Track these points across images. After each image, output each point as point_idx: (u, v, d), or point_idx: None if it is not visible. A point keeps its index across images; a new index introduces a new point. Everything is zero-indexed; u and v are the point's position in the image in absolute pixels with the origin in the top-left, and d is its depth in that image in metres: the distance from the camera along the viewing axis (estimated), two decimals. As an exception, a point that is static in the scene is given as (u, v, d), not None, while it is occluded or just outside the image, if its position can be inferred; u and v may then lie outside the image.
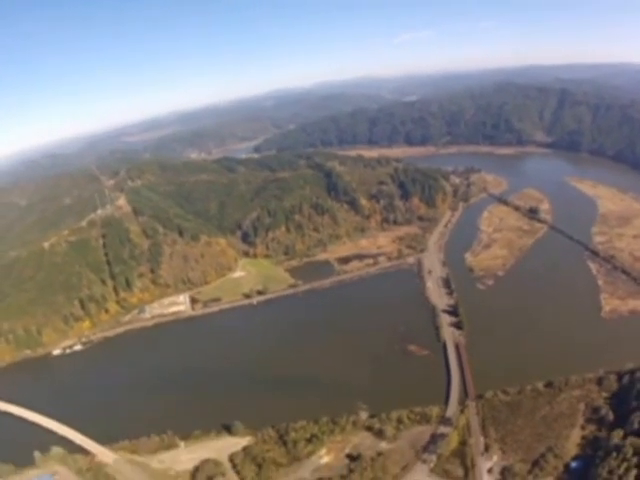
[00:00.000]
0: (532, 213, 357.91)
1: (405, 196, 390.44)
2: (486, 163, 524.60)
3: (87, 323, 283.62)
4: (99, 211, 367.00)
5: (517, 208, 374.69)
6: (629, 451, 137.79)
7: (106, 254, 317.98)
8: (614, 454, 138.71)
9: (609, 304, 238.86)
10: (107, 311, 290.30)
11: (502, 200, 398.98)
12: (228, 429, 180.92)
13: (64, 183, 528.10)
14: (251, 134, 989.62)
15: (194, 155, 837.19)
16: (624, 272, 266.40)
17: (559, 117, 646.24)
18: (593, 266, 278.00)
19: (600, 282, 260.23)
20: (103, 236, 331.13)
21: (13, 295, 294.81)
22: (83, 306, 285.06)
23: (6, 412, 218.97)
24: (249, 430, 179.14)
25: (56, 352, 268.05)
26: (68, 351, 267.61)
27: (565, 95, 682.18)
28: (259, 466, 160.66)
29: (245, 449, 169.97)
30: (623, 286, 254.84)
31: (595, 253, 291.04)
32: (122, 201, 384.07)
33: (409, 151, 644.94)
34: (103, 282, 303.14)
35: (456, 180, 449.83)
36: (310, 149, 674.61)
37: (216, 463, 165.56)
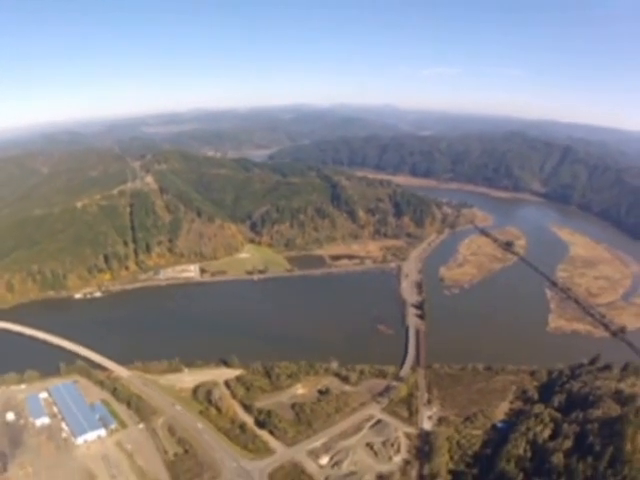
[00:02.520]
0: (507, 245, 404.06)
1: (398, 214, 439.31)
2: (480, 201, 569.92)
3: (108, 276, 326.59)
4: (129, 184, 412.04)
5: (495, 240, 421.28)
6: (546, 418, 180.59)
7: (131, 221, 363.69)
8: (533, 419, 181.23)
9: (555, 322, 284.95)
10: (127, 268, 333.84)
11: (484, 232, 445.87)
12: (225, 363, 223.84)
13: (90, 158, 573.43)
14: (266, 143, 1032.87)
15: (210, 153, 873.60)
16: (576, 302, 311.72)
17: (557, 171, 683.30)
18: (549, 293, 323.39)
19: (552, 306, 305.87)
20: (131, 205, 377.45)
21: (44, 243, 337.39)
22: (106, 261, 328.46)
23: (32, 336, 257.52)
24: (242, 364, 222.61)
25: (78, 296, 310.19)
26: (89, 296, 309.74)
27: (568, 152, 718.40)
28: (248, 389, 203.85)
29: (238, 377, 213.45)
30: (571, 312, 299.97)
31: (554, 284, 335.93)
32: (150, 179, 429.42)
33: (412, 181, 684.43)
34: (125, 244, 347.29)
35: (448, 210, 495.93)
36: (321, 165, 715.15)
37: (214, 383, 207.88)
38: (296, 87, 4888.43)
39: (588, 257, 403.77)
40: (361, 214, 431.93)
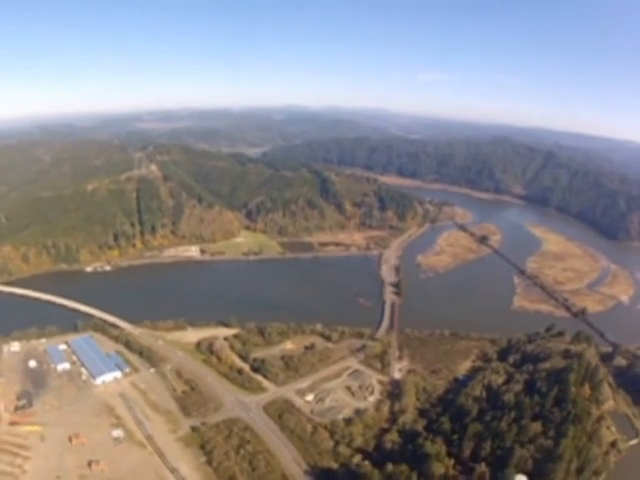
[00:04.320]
0: (483, 239, 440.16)
1: (382, 208, 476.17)
2: (462, 201, 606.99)
3: (116, 252, 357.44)
4: (135, 171, 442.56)
5: (472, 234, 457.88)
6: (501, 370, 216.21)
7: (138, 204, 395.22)
8: (489, 370, 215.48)
9: (519, 303, 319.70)
10: (134, 246, 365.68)
11: (462, 227, 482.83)
12: (224, 323, 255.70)
13: (91, 148, 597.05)
14: (260, 141, 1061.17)
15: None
16: (541, 287, 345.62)
17: (539, 175, 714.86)
18: (517, 280, 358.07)
19: (518, 290, 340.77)
20: (137, 190, 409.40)
21: (57, 221, 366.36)
22: (115, 238, 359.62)
23: (49, 301, 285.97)
24: (239, 325, 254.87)
25: (89, 269, 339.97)
26: (99, 270, 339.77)
27: (550, 157, 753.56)
28: (244, 344, 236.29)
29: (235, 335, 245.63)
30: (535, 295, 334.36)
31: (522, 272, 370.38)
32: (154, 168, 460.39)
33: (398, 181, 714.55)
34: (132, 225, 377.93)
35: (429, 207, 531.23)
36: (312, 162, 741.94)
37: (214, 338, 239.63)
38: (289, 89, 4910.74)
39: (559, 252, 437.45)
40: (348, 206, 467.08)
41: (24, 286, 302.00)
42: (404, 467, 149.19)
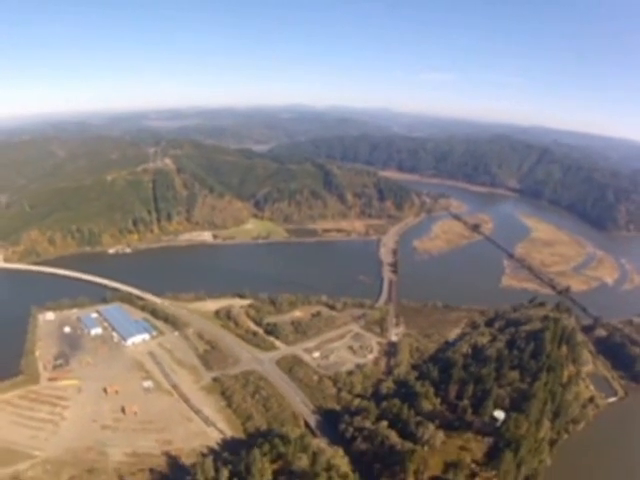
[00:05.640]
0: (475, 227, 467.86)
1: (381, 199, 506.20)
2: (458, 194, 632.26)
3: (136, 236, 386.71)
4: (151, 163, 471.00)
5: (465, 223, 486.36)
6: (486, 332, 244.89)
7: (154, 193, 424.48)
8: (476, 333, 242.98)
9: (507, 281, 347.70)
10: (152, 231, 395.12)
11: (456, 216, 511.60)
12: (239, 295, 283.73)
13: (105, 143, 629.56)
14: (265, 139, 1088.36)
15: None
16: (529, 269, 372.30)
17: (533, 170, 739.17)
18: (506, 263, 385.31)
19: (507, 271, 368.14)
20: (153, 181, 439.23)
21: (80, 209, 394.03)
22: (135, 224, 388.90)
23: (77, 277, 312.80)
24: (252, 296, 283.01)
25: (111, 251, 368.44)
26: (120, 252, 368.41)
27: (546, 153, 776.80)
28: (258, 312, 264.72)
29: (249, 304, 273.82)
30: (523, 275, 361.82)
31: (511, 256, 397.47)
32: (168, 161, 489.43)
33: (398, 175, 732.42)
34: (149, 212, 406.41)
35: (426, 199, 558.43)
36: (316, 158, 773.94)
37: (231, 307, 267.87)
38: (294, 88, 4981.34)
39: (548, 239, 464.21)
40: (349, 197, 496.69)
41: (53, 265, 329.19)
42: (397, 401, 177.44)
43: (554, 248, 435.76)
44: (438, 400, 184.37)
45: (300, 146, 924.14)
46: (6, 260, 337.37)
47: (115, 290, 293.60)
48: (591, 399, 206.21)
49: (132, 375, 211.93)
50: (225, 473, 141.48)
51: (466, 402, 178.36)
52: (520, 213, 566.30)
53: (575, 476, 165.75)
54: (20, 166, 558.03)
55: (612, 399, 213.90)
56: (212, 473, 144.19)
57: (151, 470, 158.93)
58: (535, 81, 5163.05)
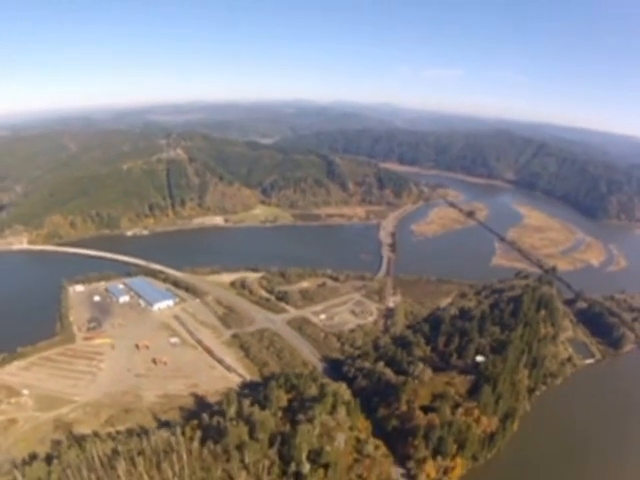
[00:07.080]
0: (470, 214, 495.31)
1: (381, 187, 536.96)
2: (455, 185, 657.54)
3: (152, 220, 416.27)
4: (164, 154, 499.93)
5: (460, 210, 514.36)
6: (473, 299, 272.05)
7: (168, 181, 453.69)
8: (465, 299, 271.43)
9: (497, 261, 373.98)
10: (167, 216, 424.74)
11: (452, 204, 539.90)
12: (252, 268, 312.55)
13: (116, 136, 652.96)
14: (270, 132, 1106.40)
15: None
16: (518, 251, 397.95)
17: (530, 162, 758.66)
18: (498, 245, 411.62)
19: (498, 252, 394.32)
20: (167, 169, 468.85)
21: (98, 195, 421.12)
22: (151, 209, 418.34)
23: (100, 256, 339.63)
24: (264, 269, 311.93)
25: (129, 234, 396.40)
26: (138, 234, 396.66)
27: (542, 147, 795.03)
28: (269, 282, 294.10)
29: (261, 276, 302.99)
30: (512, 256, 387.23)
31: (503, 239, 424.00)
32: (180, 151, 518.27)
33: (398, 167, 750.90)
34: (164, 199, 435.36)
35: (424, 188, 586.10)
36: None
37: (246, 278, 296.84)
38: (298, 83, 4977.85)
39: (539, 225, 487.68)
40: (351, 186, 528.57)
41: (75, 246, 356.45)
42: (392, 346, 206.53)
43: (545, 233, 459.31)
44: (428, 348, 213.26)
45: (304, 139, 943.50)
46: (30, 243, 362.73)
47: (137, 266, 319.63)
48: (569, 359, 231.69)
49: (160, 334, 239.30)
50: (247, 402, 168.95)
51: (452, 348, 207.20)
52: (514, 202, 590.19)
53: (551, 422, 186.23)
54: (33, 158, 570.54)
55: (590, 360, 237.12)
56: (236, 403, 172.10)
57: (181, 408, 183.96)
58: (537, 78, 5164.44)
